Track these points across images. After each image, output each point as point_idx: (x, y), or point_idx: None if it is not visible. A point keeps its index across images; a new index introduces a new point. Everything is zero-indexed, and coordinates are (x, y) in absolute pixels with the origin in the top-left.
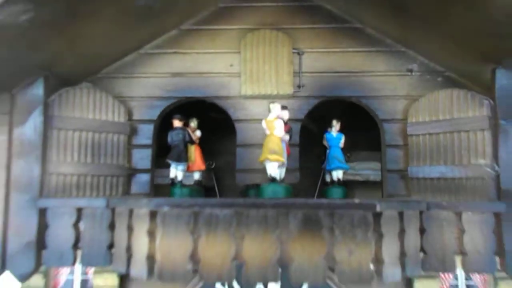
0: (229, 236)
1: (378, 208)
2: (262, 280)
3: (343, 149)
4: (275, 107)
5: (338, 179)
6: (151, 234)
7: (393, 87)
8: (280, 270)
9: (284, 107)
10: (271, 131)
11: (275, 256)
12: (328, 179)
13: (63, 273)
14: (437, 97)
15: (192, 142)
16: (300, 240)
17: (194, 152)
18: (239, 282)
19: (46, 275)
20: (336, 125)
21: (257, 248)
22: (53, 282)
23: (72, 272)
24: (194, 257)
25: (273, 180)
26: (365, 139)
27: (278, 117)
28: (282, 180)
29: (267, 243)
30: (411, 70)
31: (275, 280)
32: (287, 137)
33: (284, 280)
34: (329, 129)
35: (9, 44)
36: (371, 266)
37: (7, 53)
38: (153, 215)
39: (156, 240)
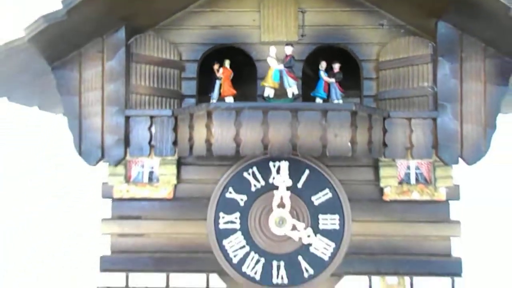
0: (259, 126)
1: (353, 108)
2: (280, 154)
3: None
4: (271, 49)
5: None
6: (208, 126)
7: (369, 37)
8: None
9: (288, 44)
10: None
11: (288, 138)
12: None
13: (135, 168)
14: (399, 43)
15: (218, 78)
16: (305, 128)
17: (223, 84)
18: (260, 171)
19: (125, 166)
20: (321, 64)
21: (277, 129)
22: (128, 173)
23: (142, 166)
24: (236, 140)
25: (264, 98)
26: (351, 79)
27: (285, 53)
28: (297, 96)
29: (283, 129)
30: (382, 24)
31: (288, 153)
32: (280, 66)
33: None
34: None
35: (109, 4)
36: (349, 145)
37: (105, 9)
38: (209, 114)
39: (212, 130)
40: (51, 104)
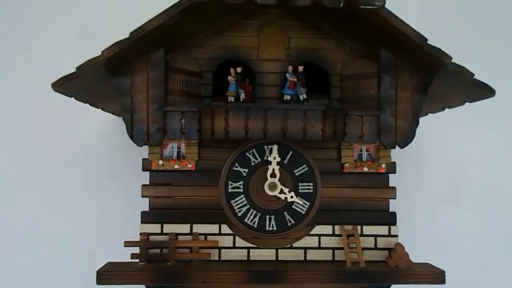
0: (260, 119)
1: (323, 108)
2: (274, 138)
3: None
4: (231, 70)
5: None
6: (225, 119)
7: (335, 57)
8: None
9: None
10: None
11: (280, 128)
12: None
13: (168, 148)
14: (356, 63)
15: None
16: (291, 121)
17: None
18: (258, 151)
19: (161, 147)
20: (288, 68)
21: (273, 122)
22: (163, 152)
23: (172, 147)
24: (245, 128)
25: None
26: (324, 87)
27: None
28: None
29: (277, 122)
30: (344, 48)
31: (279, 139)
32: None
33: None
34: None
35: (156, 35)
36: (320, 133)
37: (153, 38)
38: (226, 111)
39: (228, 122)
40: (107, 105)
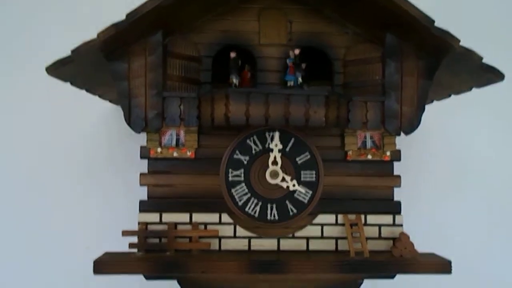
0: (262, 105)
1: (326, 94)
2: (276, 125)
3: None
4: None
5: None
6: (226, 105)
7: (338, 42)
8: None
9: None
10: None
11: (282, 114)
12: None
13: (166, 135)
14: (359, 47)
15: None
16: (294, 107)
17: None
18: (259, 139)
19: (159, 134)
20: (290, 54)
21: (274, 107)
22: (161, 139)
23: (171, 134)
24: (246, 114)
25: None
26: (326, 72)
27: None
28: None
29: (279, 107)
30: (347, 32)
31: (282, 125)
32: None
33: None
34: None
35: (153, 18)
36: (323, 119)
37: (150, 21)
38: (227, 96)
39: (229, 107)
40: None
